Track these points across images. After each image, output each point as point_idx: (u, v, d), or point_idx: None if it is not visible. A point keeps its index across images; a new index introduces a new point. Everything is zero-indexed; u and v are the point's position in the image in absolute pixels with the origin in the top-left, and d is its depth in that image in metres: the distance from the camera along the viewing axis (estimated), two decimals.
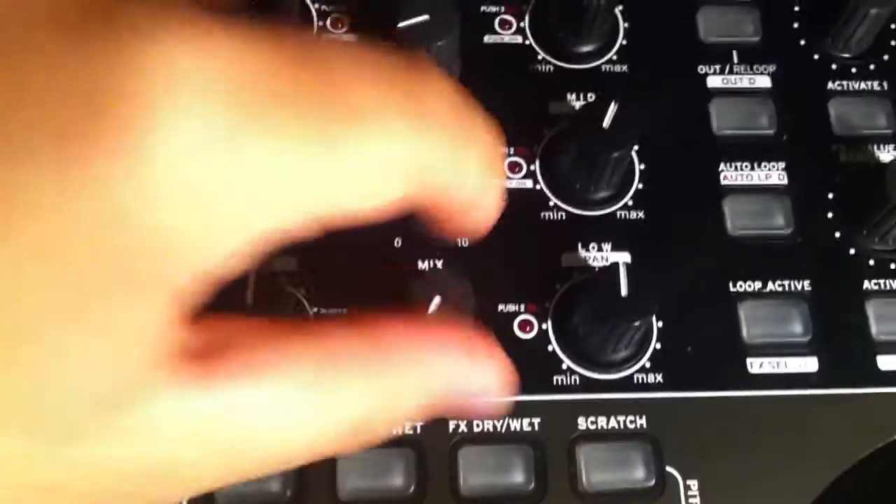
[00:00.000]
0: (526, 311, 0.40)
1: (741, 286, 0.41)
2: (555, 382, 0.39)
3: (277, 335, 0.22)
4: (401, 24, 0.40)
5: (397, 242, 0.41)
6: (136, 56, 0.18)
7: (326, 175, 0.20)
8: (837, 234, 0.43)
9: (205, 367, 0.21)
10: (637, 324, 0.37)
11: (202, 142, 0.18)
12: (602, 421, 0.39)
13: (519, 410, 0.39)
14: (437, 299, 0.36)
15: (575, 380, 0.39)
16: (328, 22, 0.44)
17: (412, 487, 0.37)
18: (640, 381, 0.39)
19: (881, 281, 0.42)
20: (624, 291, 0.37)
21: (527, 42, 0.45)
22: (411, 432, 0.38)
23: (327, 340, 0.22)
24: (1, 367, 0.18)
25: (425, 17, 0.40)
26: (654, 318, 0.40)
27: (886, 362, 0.41)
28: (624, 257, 0.41)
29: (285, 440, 0.22)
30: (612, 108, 0.40)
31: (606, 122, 0.39)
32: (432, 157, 0.22)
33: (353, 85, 0.20)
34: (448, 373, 0.24)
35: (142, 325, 0.20)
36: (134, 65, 0.17)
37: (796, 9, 0.47)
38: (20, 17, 0.18)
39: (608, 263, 0.41)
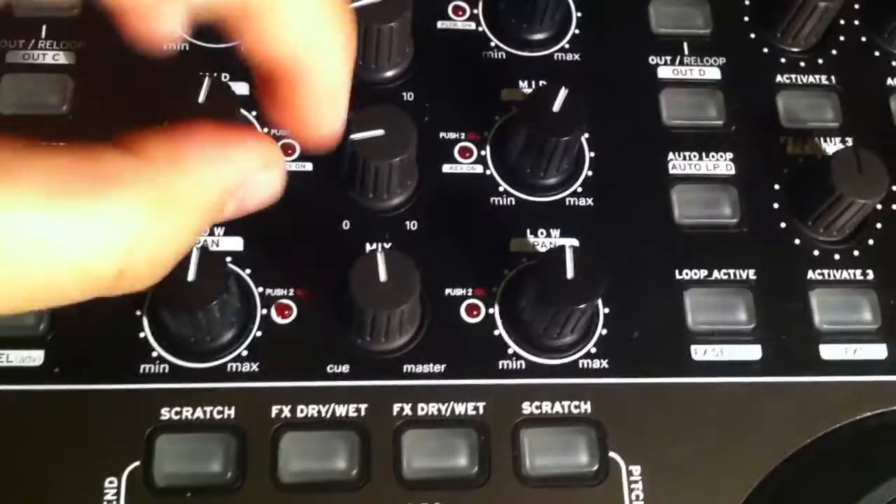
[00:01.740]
0: (473, 296, 0.40)
1: (687, 274, 0.42)
2: (500, 367, 0.39)
3: (28, 146, 0.21)
4: (352, 6, 0.40)
5: (345, 225, 0.40)
6: None
7: None
8: (783, 225, 0.43)
9: None
10: (582, 307, 0.37)
11: None
12: (546, 406, 0.39)
13: (463, 394, 0.38)
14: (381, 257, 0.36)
15: (520, 364, 0.39)
16: None
17: (356, 470, 0.37)
18: (586, 366, 0.40)
19: (825, 271, 0.43)
20: (570, 275, 0.37)
21: (480, 28, 0.45)
22: (355, 415, 0.38)
23: (87, 153, 0.22)
24: None
25: None
26: (600, 304, 0.40)
27: (829, 351, 0.41)
28: (572, 243, 0.41)
29: (42, 252, 0.21)
30: (562, 94, 0.40)
31: (556, 107, 0.40)
32: None
33: None
34: (227, 181, 0.24)
35: None
36: None
37: (746, 2, 0.47)
38: None
39: (555, 247, 0.41)
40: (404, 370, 0.39)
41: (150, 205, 0.22)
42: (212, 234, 0.39)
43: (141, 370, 0.37)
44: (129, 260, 0.22)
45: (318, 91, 0.26)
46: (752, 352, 0.41)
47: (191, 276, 0.35)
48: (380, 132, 0.38)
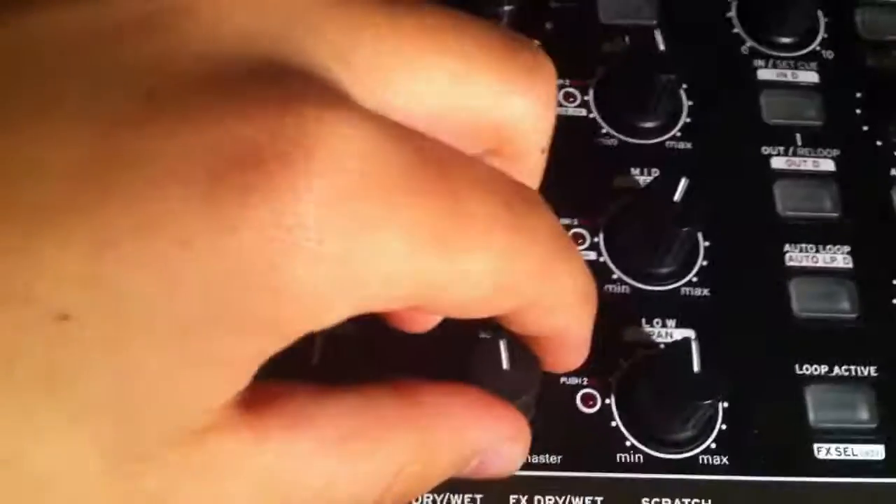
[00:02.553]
0: (589, 385, 0.39)
1: (807, 369, 0.41)
2: (617, 460, 0.38)
3: (323, 393, 0.24)
4: None
5: None
6: (304, 119, 0.20)
7: (432, 272, 0.22)
8: None
9: (258, 417, 0.22)
10: (708, 403, 0.36)
11: (340, 212, 0.20)
12: (666, 502, 0.38)
13: (581, 487, 0.37)
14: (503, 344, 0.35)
15: (638, 458, 0.38)
16: None
17: None
18: (705, 462, 0.38)
19: None
20: (696, 369, 0.36)
21: (591, 115, 0.45)
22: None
23: (370, 398, 0.24)
24: (101, 372, 0.19)
25: None
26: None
27: None
28: (688, 334, 0.41)
29: (328, 489, 0.23)
30: (683, 184, 0.39)
31: (677, 197, 0.39)
32: (530, 278, 0.24)
33: (469, 194, 0.22)
34: (480, 442, 0.27)
35: (236, 364, 0.21)
36: (300, 126, 0.20)
37: (858, 95, 0.47)
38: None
39: (671, 340, 0.40)
40: None
41: (414, 448, 0.25)
42: None
43: None
44: (384, 495, 0.24)
45: (565, 350, 0.29)
46: (875, 451, 0.40)
47: (315, 359, 0.35)
48: None
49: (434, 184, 0.22)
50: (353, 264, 0.20)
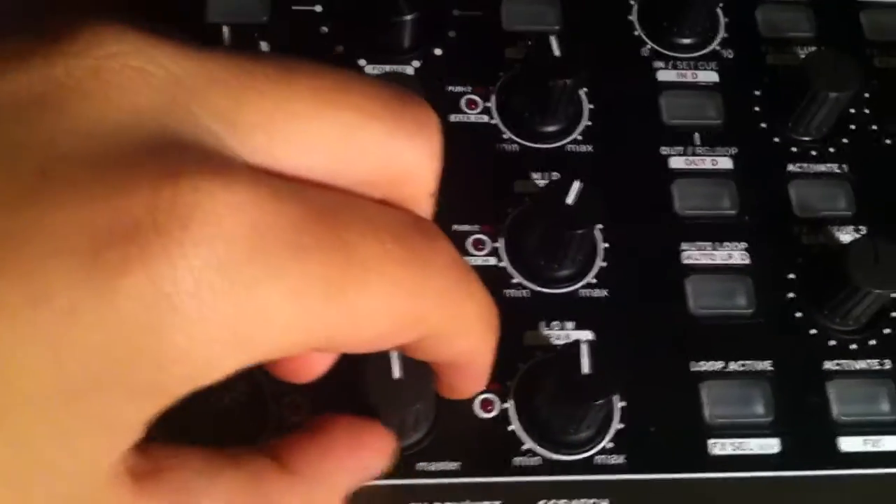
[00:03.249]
0: (487, 390, 0.40)
1: (703, 366, 0.42)
2: (515, 463, 0.39)
3: (211, 466, 0.25)
4: None
5: None
6: (179, 191, 0.20)
7: (327, 319, 0.23)
8: (798, 314, 0.43)
9: (143, 491, 0.23)
10: (599, 403, 0.37)
11: (219, 277, 0.21)
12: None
13: (479, 492, 0.38)
14: (395, 354, 0.36)
15: (536, 461, 0.39)
16: None
17: None
18: (602, 462, 0.39)
19: (842, 361, 0.42)
20: (586, 370, 0.37)
21: (492, 121, 0.46)
22: None
23: (255, 474, 0.26)
24: None
25: None
26: (615, 398, 0.40)
27: (847, 444, 0.41)
28: (586, 335, 0.41)
29: None
30: (576, 187, 0.40)
31: (570, 200, 0.40)
32: (430, 309, 0.25)
33: (360, 238, 0.23)
34: (354, 481, 0.29)
35: (122, 426, 0.22)
36: (175, 198, 0.20)
37: (757, 93, 0.48)
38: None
39: (570, 341, 0.41)
40: (417, 468, 0.38)
41: None
42: None
43: None
44: None
45: (467, 376, 0.31)
46: (770, 445, 0.40)
47: None
48: None
49: (323, 235, 0.23)
50: (237, 324, 0.21)
